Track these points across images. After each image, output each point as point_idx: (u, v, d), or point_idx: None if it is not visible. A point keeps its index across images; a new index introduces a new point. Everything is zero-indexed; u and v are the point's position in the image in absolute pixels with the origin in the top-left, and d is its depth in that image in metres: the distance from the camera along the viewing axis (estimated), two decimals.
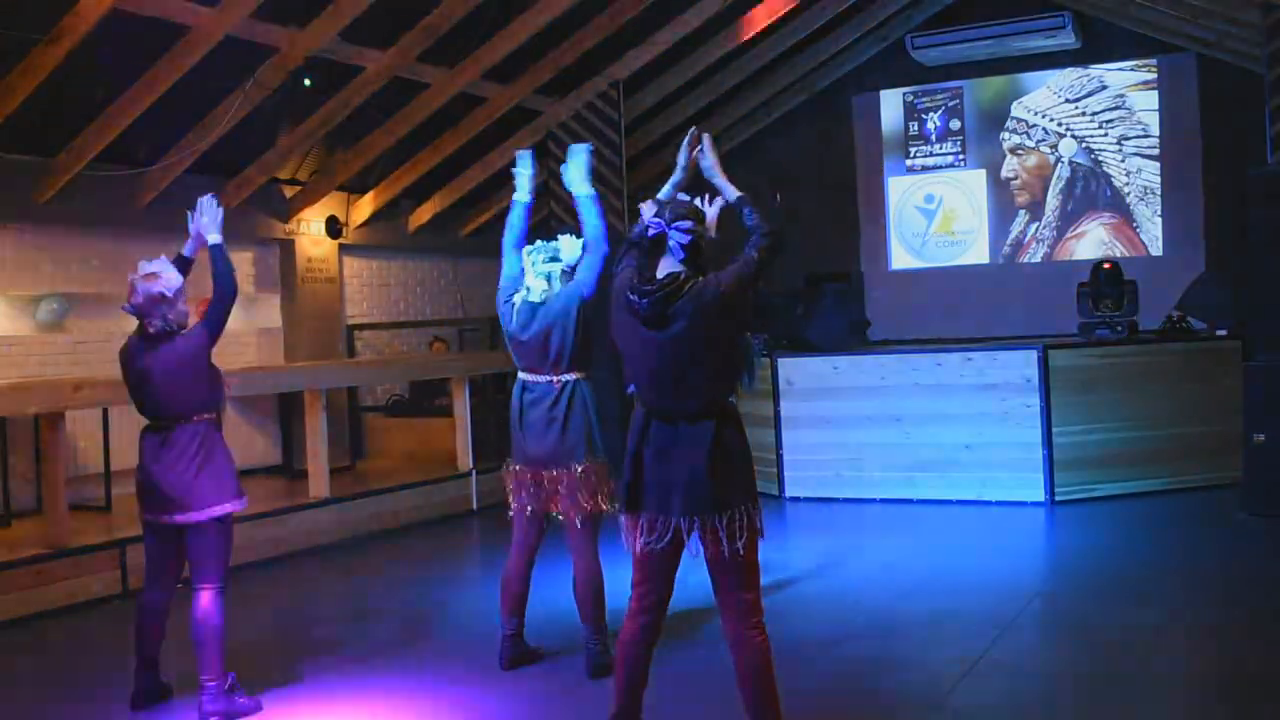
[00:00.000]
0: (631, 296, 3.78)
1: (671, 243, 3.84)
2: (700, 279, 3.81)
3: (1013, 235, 13.07)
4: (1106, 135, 12.59)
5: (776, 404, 9.34)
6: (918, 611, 5.96)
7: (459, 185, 11.79)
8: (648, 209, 3.95)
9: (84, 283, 9.28)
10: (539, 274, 5.08)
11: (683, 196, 3.99)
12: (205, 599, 4.71)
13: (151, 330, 4.76)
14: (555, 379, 5.06)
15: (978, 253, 13.20)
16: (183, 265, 4.98)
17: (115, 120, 8.19)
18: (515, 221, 5.22)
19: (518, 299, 5.11)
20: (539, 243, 5.19)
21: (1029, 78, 12.82)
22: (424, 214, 12.07)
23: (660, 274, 3.83)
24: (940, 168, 13.32)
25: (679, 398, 3.80)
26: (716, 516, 3.74)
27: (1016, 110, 12.95)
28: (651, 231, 3.86)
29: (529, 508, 5.10)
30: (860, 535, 8.08)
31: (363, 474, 10.12)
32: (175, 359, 4.76)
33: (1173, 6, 10.69)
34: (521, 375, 5.16)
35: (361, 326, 11.74)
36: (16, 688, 5.43)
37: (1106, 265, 9.46)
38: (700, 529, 3.77)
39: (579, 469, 5.00)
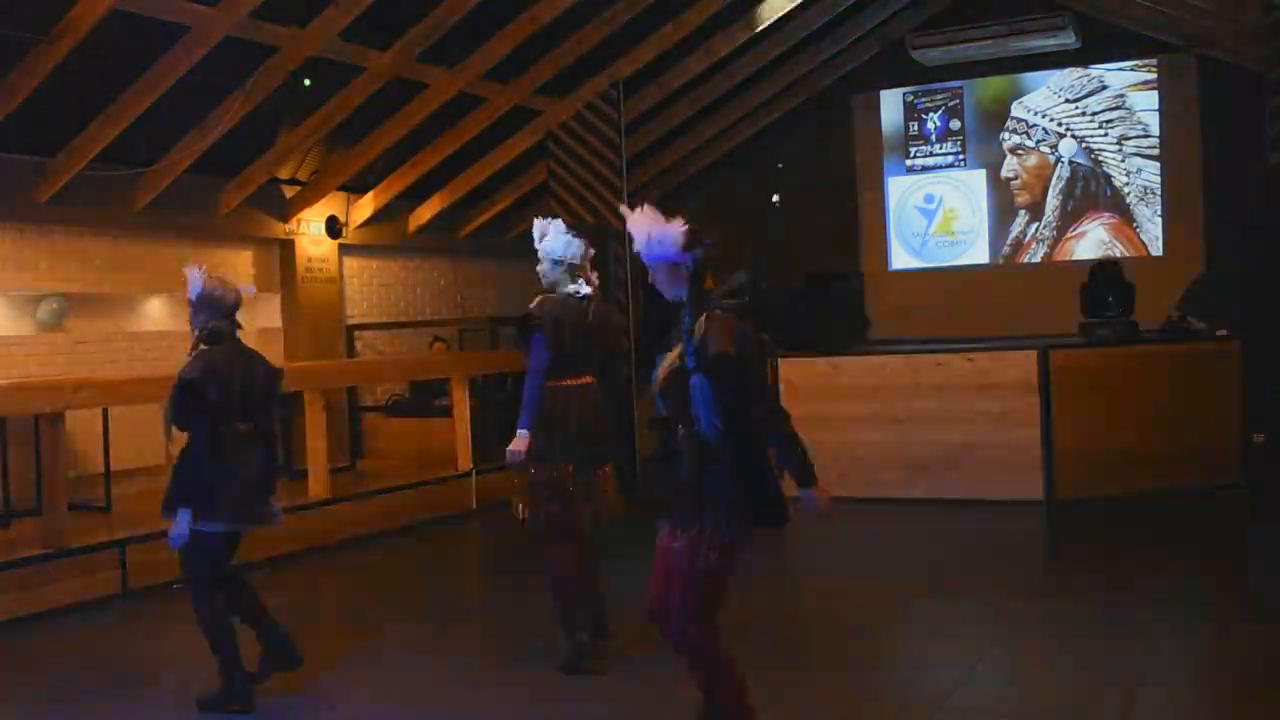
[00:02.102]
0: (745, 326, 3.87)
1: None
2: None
3: (1013, 235, 13.07)
4: (1106, 135, 12.59)
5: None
6: (918, 611, 5.96)
7: (459, 185, 11.78)
8: (643, 231, 3.95)
9: (84, 283, 9.28)
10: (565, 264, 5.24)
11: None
12: None
13: (236, 332, 4.93)
14: (590, 382, 5.22)
15: (978, 253, 13.20)
16: None
17: (115, 120, 8.18)
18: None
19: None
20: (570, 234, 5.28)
21: (1029, 78, 12.82)
22: (424, 214, 12.06)
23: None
24: (940, 168, 13.32)
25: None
26: None
27: (1016, 110, 12.95)
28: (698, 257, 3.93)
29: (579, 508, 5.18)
30: (860, 535, 8.08)
31: (363, 474, 10.12)
32: (264, 361, 4.98)
33: (1173, 6, 10.69)
34: (569, 381, 5.19)
35: (361, 326, 11.73)
36: (17, 688, 5.42)
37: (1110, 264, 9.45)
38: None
39: (611, 468, 5.24)
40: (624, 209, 4.05)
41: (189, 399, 4.74)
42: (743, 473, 3.77)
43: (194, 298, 4.90)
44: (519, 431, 5.06)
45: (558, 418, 5.12)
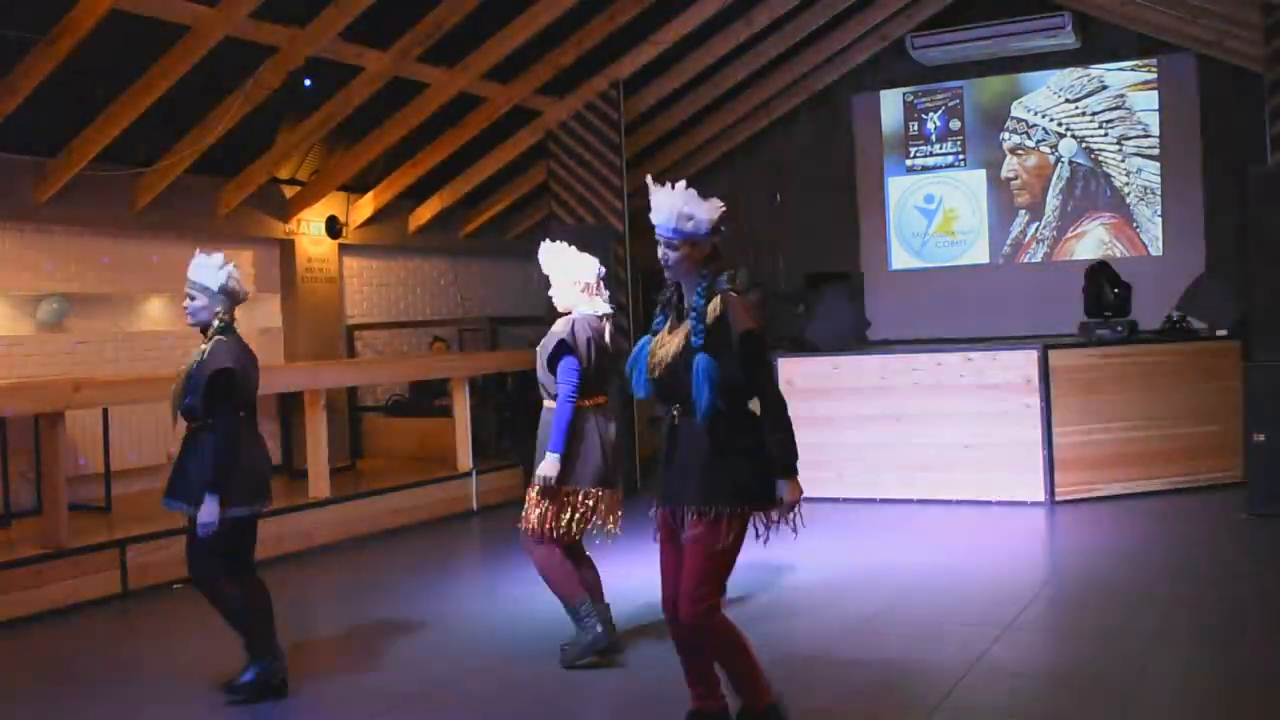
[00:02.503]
0: None
1: None
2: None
3: (1013, 235, 13.06)
4: (1106, 135, 12.58)
5: None
6: (918, 611, 5.96)
7: (459, 185, 11.79)
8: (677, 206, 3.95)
9: (84, 283, 9.28)
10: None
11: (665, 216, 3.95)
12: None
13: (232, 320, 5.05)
14: (605, 402, 5.29)
15: (978, 253, 13.19)
16: None
17: (115, 120, 8.18)
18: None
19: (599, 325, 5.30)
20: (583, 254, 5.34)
21: (1029, 78, 12.82)
22: (424, 214, 12.07)
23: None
24: (940, 168, 13.32)
25: None
26: None
27: (1016, 110, 12.95)
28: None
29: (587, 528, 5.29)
30: (860, 535, 8.08)
31: (363, 474, 10.12)
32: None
33: (1173, 6, 10.68)
34: (590, 402, 5.22)
35: (361, 326, 11.74)
36: (16, 688, 5.43)
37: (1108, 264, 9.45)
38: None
39: (621, 491, 5.36)
40: (650, 179, 4.05)
41: (221, 388, 4.82)
42: (749, 451, 3.83)
43: (216, 288, 4.95)
44: (549, 455, 5.07)
45: (582, 439, 5.15)
